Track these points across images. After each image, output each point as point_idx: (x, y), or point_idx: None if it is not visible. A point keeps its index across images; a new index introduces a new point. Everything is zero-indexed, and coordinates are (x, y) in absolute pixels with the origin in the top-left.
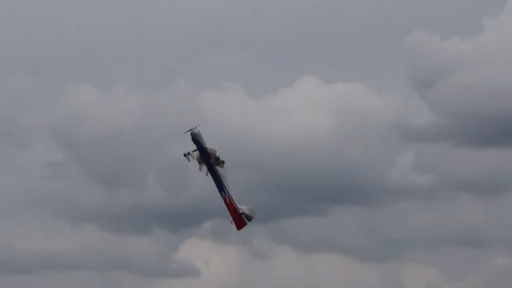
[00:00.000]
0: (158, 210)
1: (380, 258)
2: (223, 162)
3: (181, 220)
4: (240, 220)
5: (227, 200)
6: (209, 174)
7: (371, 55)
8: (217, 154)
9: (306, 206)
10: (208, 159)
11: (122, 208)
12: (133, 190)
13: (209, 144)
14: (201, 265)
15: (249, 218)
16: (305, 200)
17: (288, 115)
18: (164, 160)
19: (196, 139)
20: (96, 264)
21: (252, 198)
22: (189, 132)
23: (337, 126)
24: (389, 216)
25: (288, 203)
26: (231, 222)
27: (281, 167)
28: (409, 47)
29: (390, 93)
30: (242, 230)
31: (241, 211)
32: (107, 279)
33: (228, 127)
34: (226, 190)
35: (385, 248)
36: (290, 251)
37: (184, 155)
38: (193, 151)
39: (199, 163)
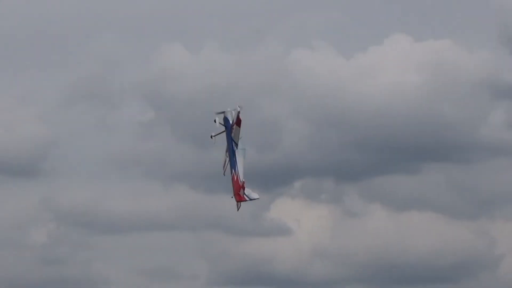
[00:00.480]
0: (248, 169)
1: (471, 216)
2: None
3: (272, 179)
4: (240, 195)
5: (235, 177)
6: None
7: (461, 11)
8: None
9: (397, 164)
10: (231, 133)
11: (214, 168)
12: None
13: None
14: (293, 224)
15: (250, 198)
16: (396, 158)
17: (379, 72)
18: (255, 119)
19: (227, 118)
20: (188, 224)
21: (343, 156)
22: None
23: (428, 84)
24: (481, 173)
25: (379, 161)
26: (232, 197)
27: (372, 125)
28: (499, 3)
29: (481, 50)
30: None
31: (244, 192)
32: (198, 239)
33: (318, 85)
34: (237, 167)
35: (476, 205)
36: (381, 209)
37: (211, 136)
38: (215, 135)
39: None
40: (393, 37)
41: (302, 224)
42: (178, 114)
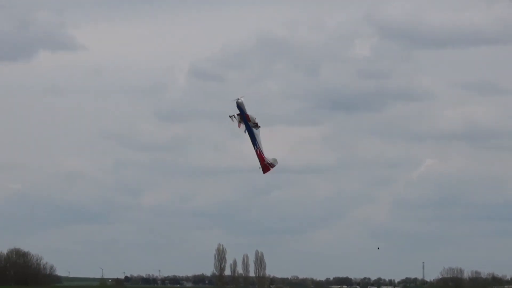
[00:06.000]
0: None
1: None
2: (259, 126)
3: None
4: (266, 166)
5: (258, 152)
6: (246, 132)
7: None
8: (256, 120)
9: None
10: (248, 122)
11: None
12: None
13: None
14: None
15: (273, 166)
16: None
17: None
18: None
19: (240, 107)
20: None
21: None
22: (235, 101)
23: None
24: None
25: None
26: (259, 168)
27: None
28: None
29: None
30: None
31: (267, 161)
32: None
33: None
34: (258, 145)
35: None
36: None
37: (229, 116)
38: (237, 114)
39: (239, 122)
40: None
41: None
42: None
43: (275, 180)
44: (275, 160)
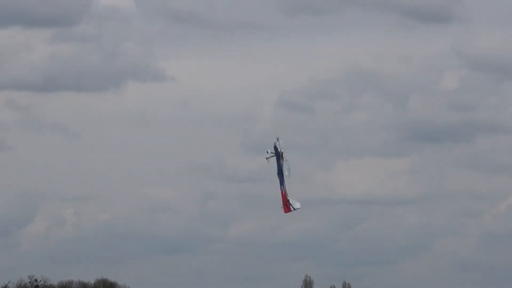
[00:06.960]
0: None
1: None
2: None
3: None
4: (288, 207)
5: (283, 192)
6: (277, 169)
7: None
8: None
9: None
10: (280, 160)
11: None
12: None
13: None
14: None
15: (294, 208)
16: None
17: None
18: None
19: (276, 147)
20: None
21: None
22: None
23: None
24: None
25: None
26: (281, 207)
27: None
28: None
29: None
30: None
31: (290, 202)
32: None
33: None
34: (284, 185)
35: None
36: None
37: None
38: (269, 158)
39: (269, 157)
40: None
41: None
42: None
43: (362, 212)
44: (298, 203)
